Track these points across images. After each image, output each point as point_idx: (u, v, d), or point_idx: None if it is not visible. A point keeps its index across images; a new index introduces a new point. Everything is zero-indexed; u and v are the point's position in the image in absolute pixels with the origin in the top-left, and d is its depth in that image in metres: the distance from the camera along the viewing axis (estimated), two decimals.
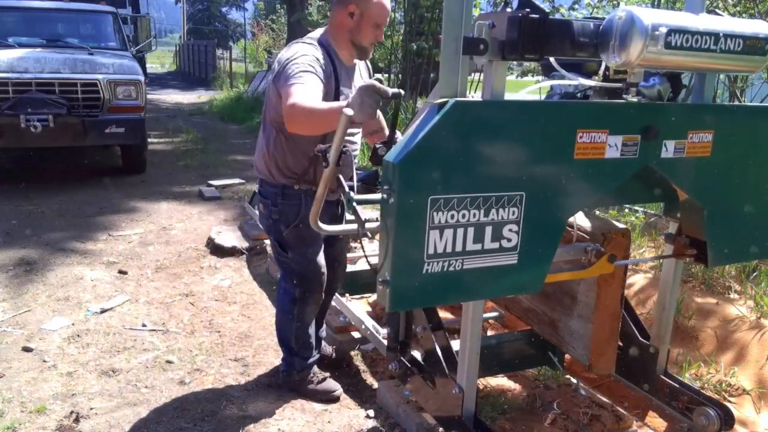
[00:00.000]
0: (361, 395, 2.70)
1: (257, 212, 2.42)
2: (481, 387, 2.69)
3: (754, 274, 3.36)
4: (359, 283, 3.29)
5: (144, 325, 3.32)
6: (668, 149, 1.84)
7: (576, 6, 8.16)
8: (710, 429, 2.27)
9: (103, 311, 3.46)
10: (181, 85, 22.32)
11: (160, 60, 39.06)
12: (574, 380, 2.68)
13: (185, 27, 38.85)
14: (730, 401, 2.64)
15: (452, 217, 1.60)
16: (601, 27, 1.67)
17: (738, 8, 4.96)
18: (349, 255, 4.21)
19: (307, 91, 2.09)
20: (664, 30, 1.58)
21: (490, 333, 3.17)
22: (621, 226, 2.14)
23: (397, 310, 2.31)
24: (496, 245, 1.67)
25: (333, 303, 3.25)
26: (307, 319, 2.57)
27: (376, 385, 2.73)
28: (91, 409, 2.53)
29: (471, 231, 1.64)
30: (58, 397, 2.61)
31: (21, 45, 6.24)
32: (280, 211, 2.42)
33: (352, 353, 3.02)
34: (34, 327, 3.23)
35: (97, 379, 2.77)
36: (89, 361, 2.92)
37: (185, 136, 9.69)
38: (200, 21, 44.34)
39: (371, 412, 2.55)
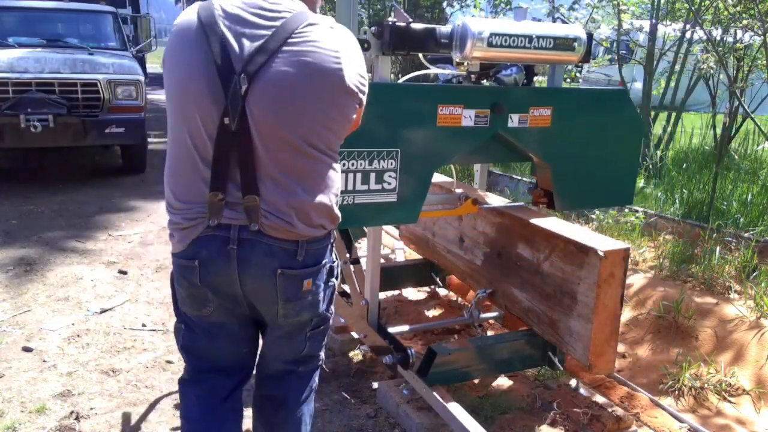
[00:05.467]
0: (361, 395, 2.70)
1: (302, 296, 1.60)
2: (481, 387, 2.70)
3: (754, 274, 3.37)
4: None
5: (144, 325, 3.32)
6: (514, 121, 2.36)
7: (576, 6, 8.17)
8: (394, 367, 2.58)
9: (103, 311, 3.46)
10: None
11: (160, 60, 39.07)
12: (574, 380, 2.68)
13: None
14: (730, 401, 2.64)
15: (344, 165, 2.08)
16: (450, 31, 2.21)
17: (738, 8, 4.96)
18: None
19: None
20: (486, 33, 2.13)
21: (490, 333, 3.17)
22: (622, 244, 2.18)
23: None
24: (379, 187, 2.17)
25: None
26: None
27: (376, 385, 2.73)
28: (91, 409, 2.54)
29: (359, 175, 2.14)
30: (58, 397, 2.61)
31: (21, 45, 6.23)
32: (335, 261, 1.72)
33: (352, 353, 3.02)
34: (34, 327, 3.23)
35: (97, 379, 2.77)
36: (89, 361, 2.92)
37: None
38: None
39: (371, 412, 2.55)
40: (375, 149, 2.13)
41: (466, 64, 2.35)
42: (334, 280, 1.71)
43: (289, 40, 1.45)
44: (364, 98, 1.59)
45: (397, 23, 2.15)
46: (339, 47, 1.49)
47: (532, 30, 2.25)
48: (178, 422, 2.46)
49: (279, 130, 1.46)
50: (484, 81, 2.50)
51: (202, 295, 1.57)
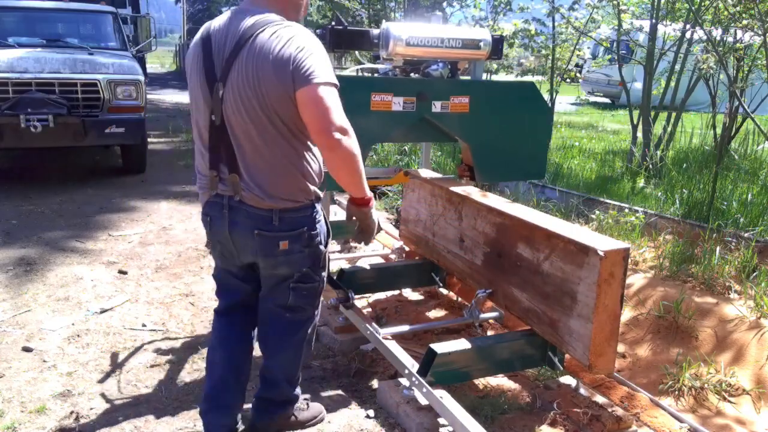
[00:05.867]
0: (361, 395, 2.70)
1: (279, 253, 2.00)
2: (481, 387, 2.70)
3: (754, 274, 3.36)
4: (358, 283, 3.29)
5: (144, 325, 3.32)
6: (437, 107, 2.86)
7: (576, 6, 8.17)
8: (336, 307, 2.94)
9: (103, 311, 3.46)
10: (181, 85, 22.28)
11: (160, 60, 39.02)
12: (574, 380, 2.68)
13: (185, 27, 38.83)
14: (730, 401, 2.64)
15: None
16: (378, 33, 2.78)
17: (738, 8, 4.96)
18: (349, 255, 4.22)
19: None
20: (405, 35, 2.73)
21: (490, 333, 3.17)
22: (622, 244, 2.19)
23: None
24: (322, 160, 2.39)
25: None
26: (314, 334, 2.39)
27: (376, 385, 2.73)
28: (91, 409, 2.53)
29: None
30: (58, 397, 2.61)
31: (21, 45, 6.23)
32: (320, 231, 2.05)
33: (352, 353, 3.02)
34: (34, 327, 3.23)
35: (97, 379, 2.77)
36: (89, 361, 2.92)
37: (185, 136, 9.68)
38: (200, 21, 44.19)
39: (371, 412, 2.55)
40: None
41: (394, 59, 2.88)
42: (320, 247, 2.06)
43: (243, 48, 1.82)
44: (304, 78, 1.78)
45: (336, 27, 2.73)
46: (270, 47, 1.79)
47: (443, 33, 2.82)
48: (177, 422, 2.46)
49: (241, 124, 1.86)
50: (413, 74, 3.04)
51: (213, 243, 2.10)
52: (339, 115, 1.78)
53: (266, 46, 1.79)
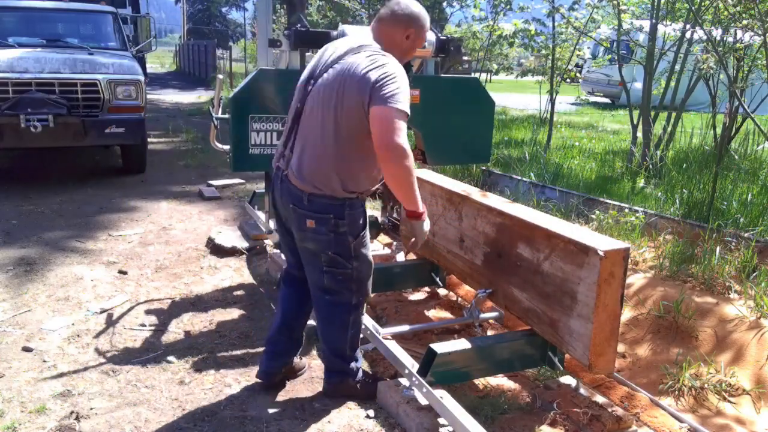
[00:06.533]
0: None
1: (307, 229, 2.30)
2: (481, 387, 2.70)
3: (754, 274, 3.36)
4: None
5: (144, 325, 3.32)
6: None
7: (576, 6, 8.17)
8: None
9: (103, 311, 3.46)
10: (181, 85, 22.31)
11: (160, 60, 39.05)
12: (574, 380, 2.68)
13: (185, 27, 38.83)
14: (730, 401, 2.64)
15: (263, 126, 3.15)
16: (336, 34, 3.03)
17: (738, 8, 4.96)
18: None
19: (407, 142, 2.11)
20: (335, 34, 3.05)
21: (490, 333, 3.17)
22: (622, 244, 2.19)
23: (236, 171, 3.45)
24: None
25: None
26: (361, 321, 2.59)
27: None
28: (91, 409, 2.53)
29: (274, 134, 3.17)
30: (58, 397, 2.61)
31: (21, 45, 6.23)
32: (349, 223, 2.30)
33: None
34: (34, 327, 3.23)
35: (97, 379, 2.77)
36: (89, 361, 2.92)
37: (185, 136, 9.69)
38: (200, 21, 44.24)
39: (371, 412, 2.55)
40: (279, 115, 3.13)
41: None
42: (347, 236, 2.30)
43: (342, 58, 2.23)
44: (382, 97, 2.07)
45: (300, 28, 3.19)
46: (363, 64, 2.14)
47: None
48: (177, 422, 2.46)
49: (311, 117, 2.26)
50: None
51: (273, 205, 2.52)
52: (400, 138, 2.05)
53: (361, 63, 2.15)
